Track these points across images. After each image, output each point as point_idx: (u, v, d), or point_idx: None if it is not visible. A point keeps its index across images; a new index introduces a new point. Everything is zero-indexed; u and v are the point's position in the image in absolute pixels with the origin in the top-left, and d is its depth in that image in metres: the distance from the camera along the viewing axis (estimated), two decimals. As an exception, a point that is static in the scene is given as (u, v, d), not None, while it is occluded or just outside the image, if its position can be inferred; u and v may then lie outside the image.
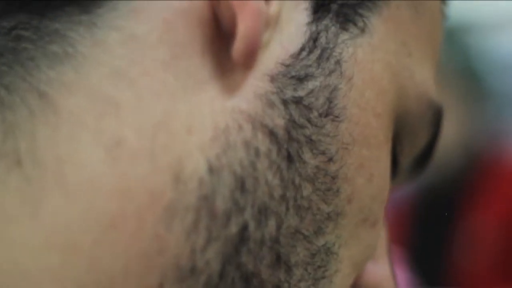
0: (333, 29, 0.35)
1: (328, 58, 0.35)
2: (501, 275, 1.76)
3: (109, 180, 0.31)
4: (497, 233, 1.80)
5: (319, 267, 0.35)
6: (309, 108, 0.34)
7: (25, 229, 0.31)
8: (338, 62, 0.35)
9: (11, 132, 0.32)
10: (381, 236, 0.38)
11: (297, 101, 0.34)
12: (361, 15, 0.36)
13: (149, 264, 0.32)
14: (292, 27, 0.34)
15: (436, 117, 0.40)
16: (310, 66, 0.34)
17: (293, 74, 0.34)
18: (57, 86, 0.32)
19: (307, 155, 0.34)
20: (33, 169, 0.31)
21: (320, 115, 0.34)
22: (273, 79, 0.34)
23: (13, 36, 0.32)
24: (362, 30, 0.36)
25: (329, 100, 0.35)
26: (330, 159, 0.35)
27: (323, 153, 0.34)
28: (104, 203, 0.31)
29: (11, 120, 0.32)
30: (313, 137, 0.34)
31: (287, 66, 0.34)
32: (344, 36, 0.35)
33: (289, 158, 0.34)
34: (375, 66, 0.36)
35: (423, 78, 0.39)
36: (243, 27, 0.33)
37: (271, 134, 0.33)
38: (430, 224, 1.90)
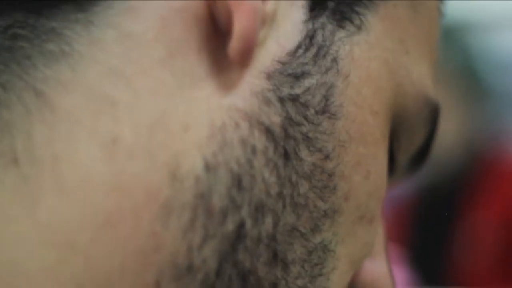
0: (329, 26, 0.35)
1: (324, 56, 0.35)
2: (501, 274, 1.76)
3: (105, 178, 0.32)
4: (497, 233, 1.80)
5: (316, 264, 0.35)
6: (305, 105, 0.34)
7: (22, 227, 0.31)
8: (334, 60, 0.35)
9: (7, 130, 0.32)
10: (378, 234, 0.38)
11: (294, 98, 0.34)
12: (357, 13, 0.36)
13: (146, 262, 0.32)
14: (288, 25, 0.35)
15: (433, 115, 0.40)
16: (306, 63, 0.34)
17: (290, 71, 0.34)
18: (54, 84, 0.32)
19: (303, 153, 0.34)
20: (29, 168, 0.31)
21: (316, 112, 0.34)
22: (269, 76, 0.34)
23: (10, 35, 0.33)
24: (359, 28, 0.36)
25: (326, 98, 0.35)
26: (327, 157, 0.35)
27: (320, 150, 0.35)
28: (100, 201, 0.31)
29: (8, 119, 0.32)
30: (310, 135, 0.34)
31: (284, 63, 0.34)
32: (340, 33, 0.35)
33: (286, 156, 0.34)
34: (372, 64, 0.36)
35: (420, 76, 0.39)
36: (239, 26, 0.33)
37: (268, 131, 0.33)
38: (430, 223, 1.90)
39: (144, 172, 0.32)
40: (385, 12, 0.37)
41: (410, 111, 0.38)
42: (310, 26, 0.35)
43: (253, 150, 0.33)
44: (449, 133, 1.82)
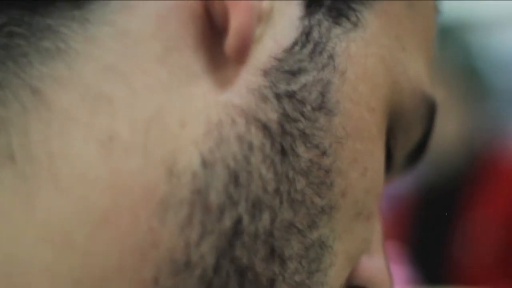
0: (326, 23, 0.35)
1: (321, 53, 0.35)
2: (501, 272, 1.76)
3: (102, 175, 0.32)
4: (497, 231, 1.80)
5: (314, 260, 0.35)
6: (302, 102, 0.34)
7: (19, 224, 0.31)
8: (331, 57, 0.35)
9: (3, 128, 0.32)
10: (375, 230, 0.38)
11: (290, 95, 0.34)
12: (354, 10, 0.36)
13: (143, 258, 0.32)
14: (285, 22, 0.35)
15: (430, 111, 0.40)
16: (303, 60, 0.35)
17: (286, 68, 0.34)
18: (50, 82, 0.32)
19: (300, 149, 0.34)
20: (26, 165, 0.31)
21: (313, 109, 0.35)
22: (266, 73, 0.34)
23: (6, 33, 0.33)
24: (355, 25, 0.36)
25: (322, 94, 0.35)
26: (324, 153, 0.35)
27: (317, 147, 0.35)
28: (97, 198, 0.31)
29: (4, 116, 0.32)
30: (307, 131, 0.34)
31: (280, 60, 0.34)
32: (337, 30, 0.36)
33: (283, 152, 0.34)
34: (368, 61, 0.36)
35: (416, 72, 0.39)
36: (236, 23, 0.33)
37: (265, 128, 0.33)
38: (430, 221, 1.89)
39: (141, 169, 0.32)
40: (381, 9, 0.37)
41: (407, 108, 0.38)
42: (306, 23, 0.35)
43: (250, 146, 0.33)
44: (449, 132, 1.82)
